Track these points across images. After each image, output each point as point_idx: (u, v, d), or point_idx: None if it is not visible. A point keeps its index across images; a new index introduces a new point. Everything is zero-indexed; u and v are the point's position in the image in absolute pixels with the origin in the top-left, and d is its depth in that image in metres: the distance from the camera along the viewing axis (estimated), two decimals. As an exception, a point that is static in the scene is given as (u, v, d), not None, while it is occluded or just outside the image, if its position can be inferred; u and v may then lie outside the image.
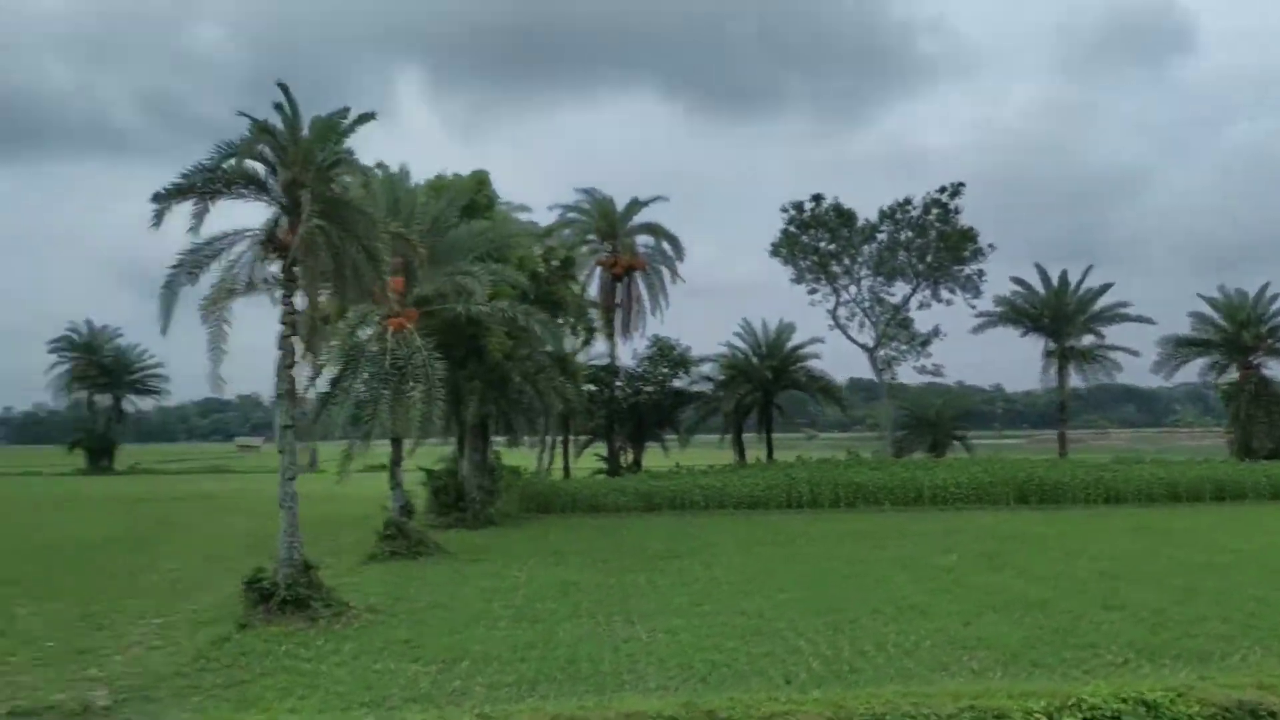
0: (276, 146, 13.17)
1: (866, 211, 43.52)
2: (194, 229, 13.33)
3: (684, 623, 13.09)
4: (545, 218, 38.22)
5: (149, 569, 18.95)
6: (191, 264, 13.44)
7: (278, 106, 13.15)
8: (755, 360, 40.29)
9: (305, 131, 13.62)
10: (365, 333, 20.63)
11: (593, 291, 41.84)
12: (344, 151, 13.48)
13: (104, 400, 65.60)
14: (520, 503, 32.02)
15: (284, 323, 13.68)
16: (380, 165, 25.54)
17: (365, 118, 13.89)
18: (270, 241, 13.60)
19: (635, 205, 41.17)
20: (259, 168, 13.51)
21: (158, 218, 12.74)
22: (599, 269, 41.87)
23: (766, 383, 39.62)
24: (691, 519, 29.08)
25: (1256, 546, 20.33)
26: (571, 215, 40.82)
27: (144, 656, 11.89)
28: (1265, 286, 40.66)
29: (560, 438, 41.17)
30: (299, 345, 13.80)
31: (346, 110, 13.67)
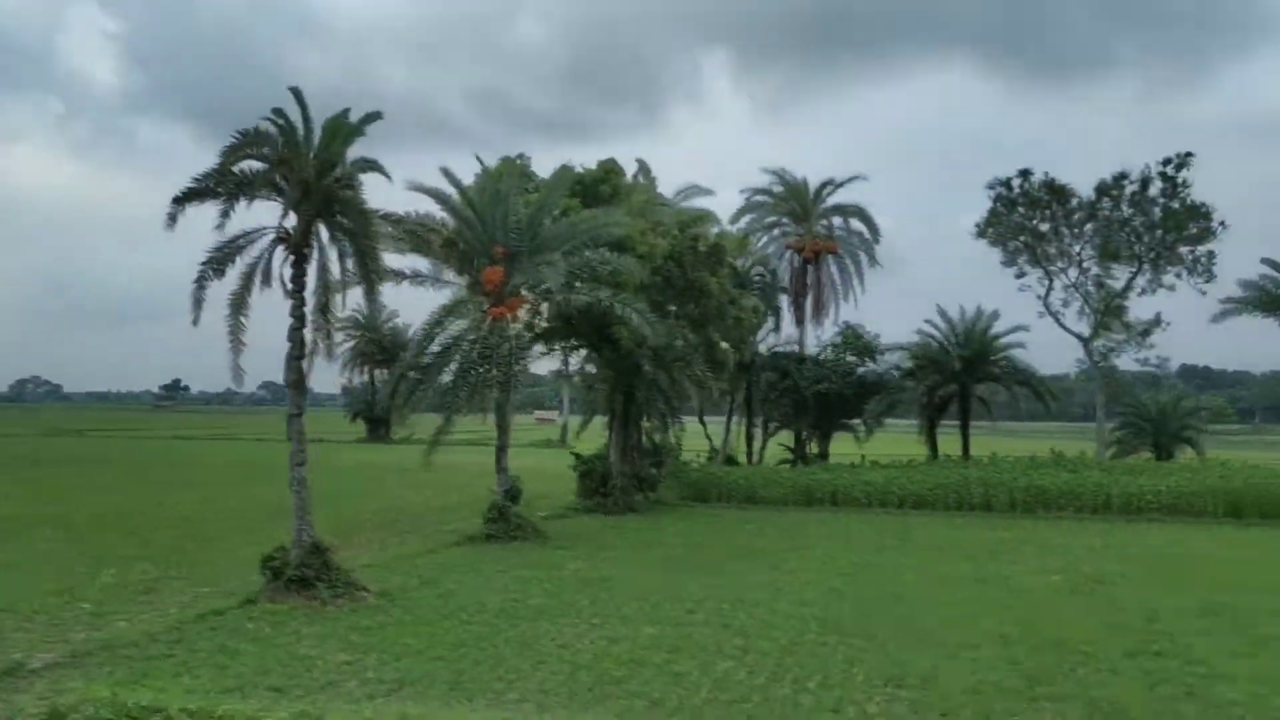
0: (280, 148, 13.90)
1: (1084, 188, 39.71)
2: (219, 226, 14.35)
3: (653, 632, 12.70)
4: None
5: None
6: (216, 260, 14.50)
7: (277, 111, 13.87)
8: (948, 349, 37.99)
9: (317, 132, 14.32)
10: (460, 323, 21.36)
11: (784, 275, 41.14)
12: (339, 152, 14.01)
13: (382, 375, 73.23)
14: (678, 490, 32.22)
15: (293, 316, 14.47)
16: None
17: (371, 117, 14.38)
18: (284, 239, 14.43)
19: (827, 187, 39.94)
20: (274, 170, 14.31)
21: (171, 220, 13.83)
22: (789, 252, 41.02)
23: (958, 373, 37.27)
24: (832, 517, 28.09)
25: None
26: (759, 199, 40.14)
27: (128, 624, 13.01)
28: None
29: (740, 422, 40.99)
30: (309, 337, 14.53)
31: (347, 111, 14.21)
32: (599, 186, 25.37)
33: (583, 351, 31.48)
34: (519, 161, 27.01)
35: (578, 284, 23.59)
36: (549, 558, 19.20)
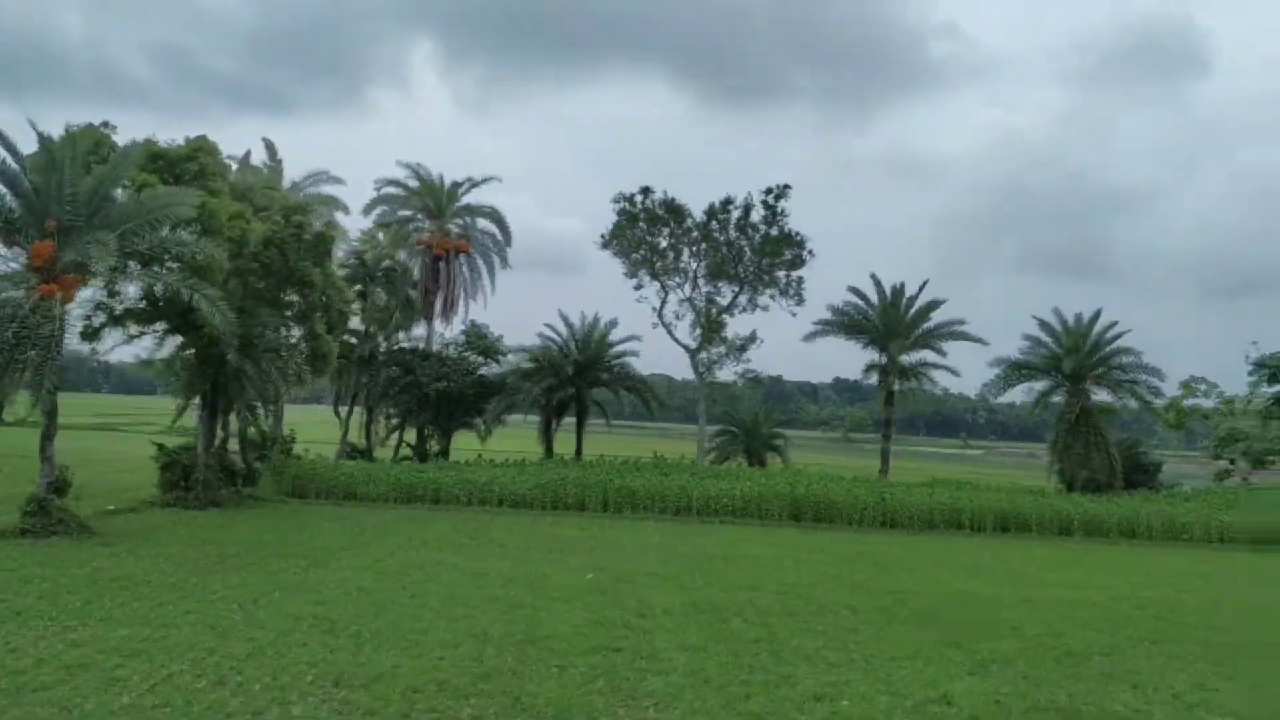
0: None
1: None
2: None
3: (126, 634, 12.21)
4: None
5: None
6: None
7: None
8: (565, 353, 39.55)
9: None
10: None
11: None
12: None
13: None
14: (279, 484, 31.33)
15: None
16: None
17: None
18: None
19: (459, 186, 40.33)
20: None
21: None
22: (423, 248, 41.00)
23: (573, 376, 38.92)
24: (425, 515, 28.35)
25: (893, 584, 19.80)
26: (390, 190, 39.86)
27: None
28: (1098, 313, 40.33)
29: (364, 417, 40.54)
30: None
31: None
32: (185, 164, 24.15)
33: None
34: (103, 130, 25.18)
35: (153, 266, 22.40)
36: (79, 554, 18.03)
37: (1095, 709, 10.94)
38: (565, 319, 39.59)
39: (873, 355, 42.63)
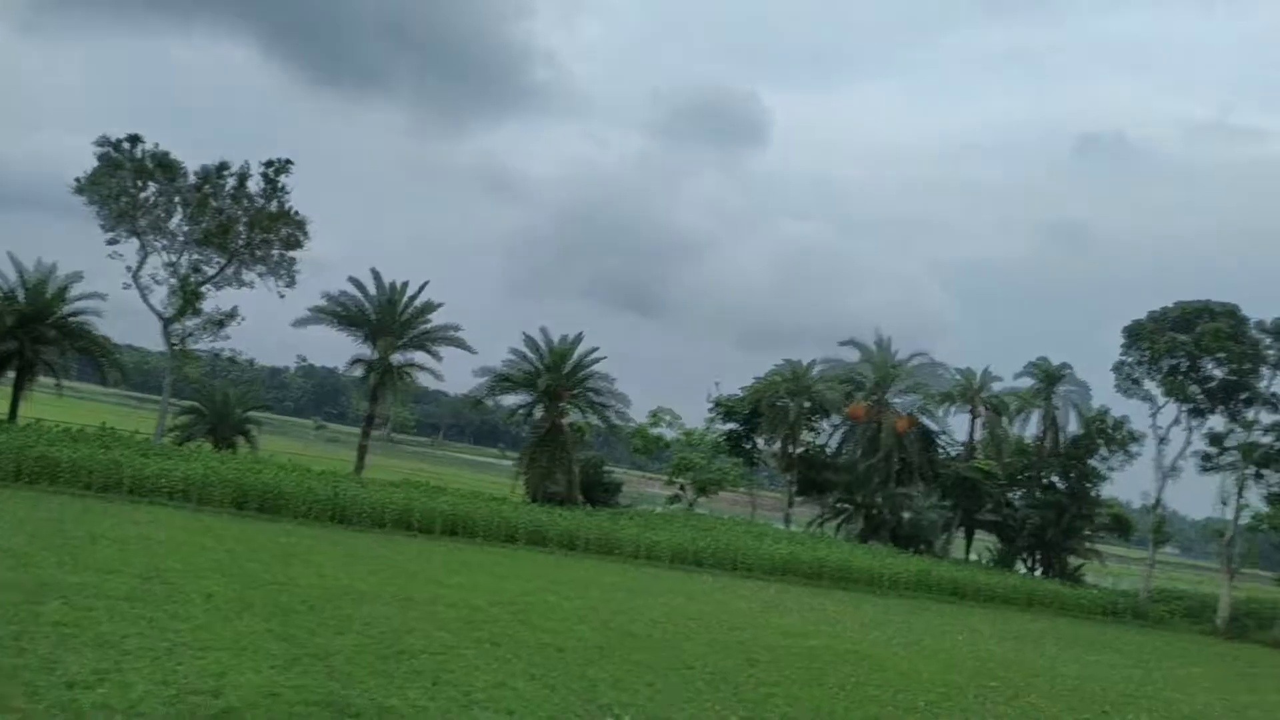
0: None
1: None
2: None
3: None
4: None
5: None
6: None
7: None
8: (9, 300, 35.27)
9: None
10: None
11: None
12: None
13: None
14: None
15: None
16: None
17: None
18: None
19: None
20: None
21: None
22: None
23: (13, 328, 34.74)
24: None
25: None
26: None
27: None
28: (579, 337, 42.81)
29: None
30: None
31: None
32: None
33: None
34: None
35: None
36: None
37: (372, 704, 11.19)
38: (16, 262, 35.25)
39: (366, 349, 42.34)
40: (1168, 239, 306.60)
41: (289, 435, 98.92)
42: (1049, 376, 52.24)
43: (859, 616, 28.34)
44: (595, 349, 43.02)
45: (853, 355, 51.15)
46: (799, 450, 50.76)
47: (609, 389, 42.90)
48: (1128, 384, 50.10)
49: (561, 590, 23.34)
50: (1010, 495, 53.87)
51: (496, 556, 29.24)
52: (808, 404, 49.73)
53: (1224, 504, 45.35)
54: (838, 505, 48.60)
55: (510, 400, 43.26)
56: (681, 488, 50.53)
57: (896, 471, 48.71)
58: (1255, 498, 45.10)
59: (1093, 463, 52.04)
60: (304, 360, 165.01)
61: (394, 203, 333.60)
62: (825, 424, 51.47)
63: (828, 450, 51.38)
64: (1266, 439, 47.23)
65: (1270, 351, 45.55)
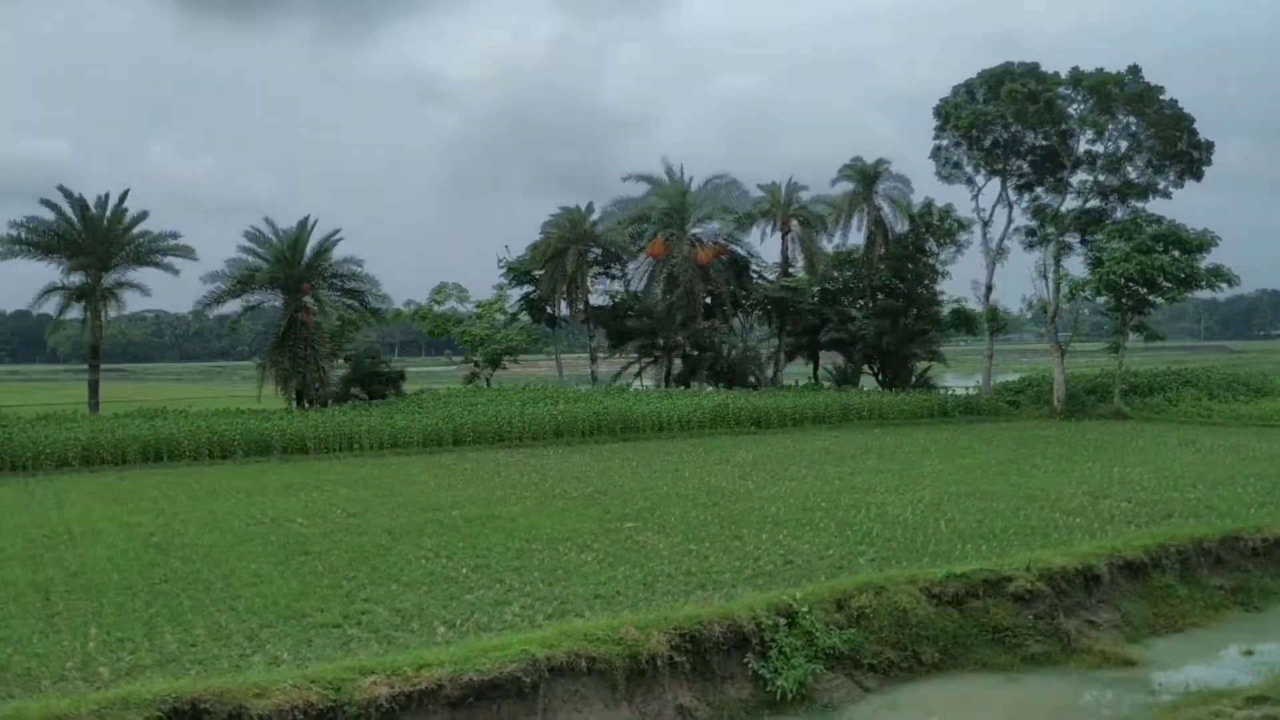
0: None
1: None
2: None
3: None
4: None
5: None
6: None
7: None
8: None
9: None
10: None
11: None
12: None
13: None
14: None
15: None
16: None
17: None
18: None
19: None
20: None
21: None
22: None
23: None
24: None
25: None
26: None
27: None
28: (309, 221, 38.68)
29: None
30: None
31: None
32: None
33: None
34: None
35: None
36: None
37: None
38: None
39: (71, 278, 38.28)
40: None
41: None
42: (866, 177, 49.09)
43: (587, 467, 26.09)
44: (336, 231, 39.21)
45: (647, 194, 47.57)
46: (603, 303, 47.72)
47: (360, 273, 39.32)
48: (948, 169, 47.23)
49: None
50: (853, 310, 51.47)
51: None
52: (598, 251, 46.46)
53: (1044, 278, 43.08)
54: (642, 352, 45.74)
55: (237, 305, 39.47)
56: (476, 365, 47.41)
57: (708, 305, 45.91)
58: (1078, 267, 42.82)
59: (925, 260, 49.61)
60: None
61: (317, 120, 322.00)
62: (632, 268, 48.11)
63: (639, 296, 48.08)
64: (1092, 203, 44.87)
65: (1074, 107, 42.62)
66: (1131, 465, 24.93)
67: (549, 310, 47.66)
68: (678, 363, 46.26)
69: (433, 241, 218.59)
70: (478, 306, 48.40)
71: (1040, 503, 19.41)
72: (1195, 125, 40.19)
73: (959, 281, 50.96)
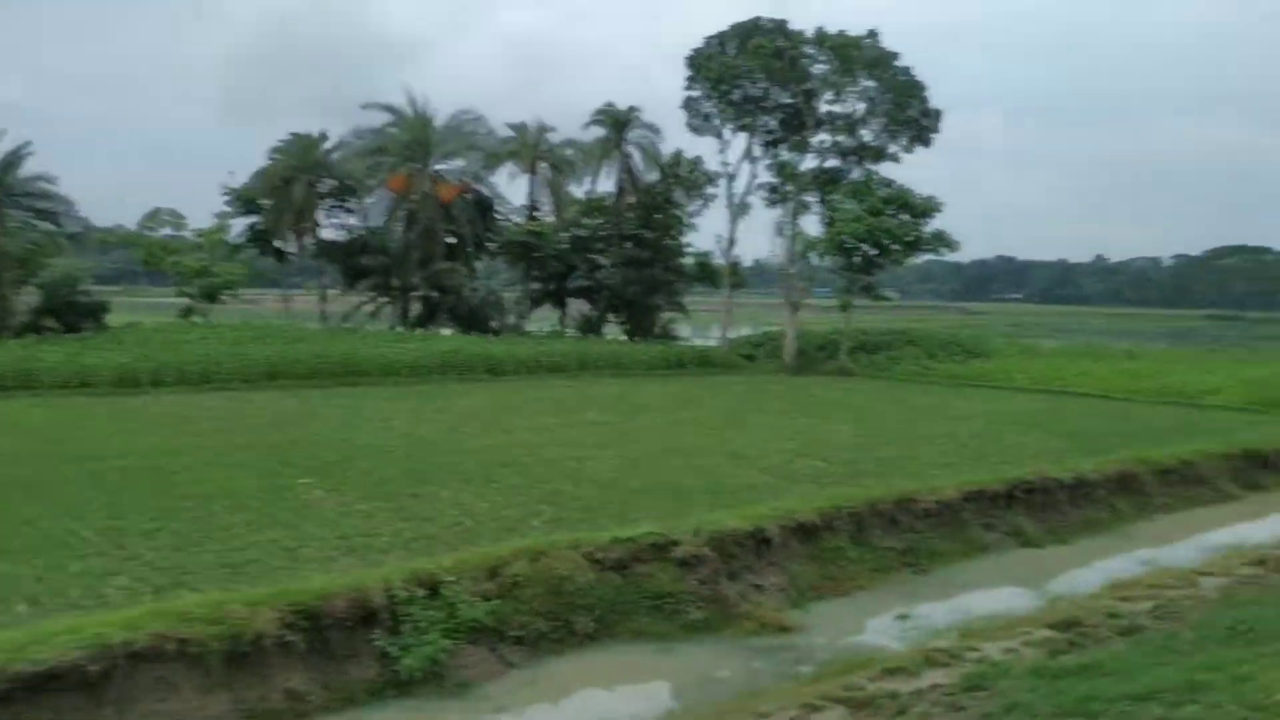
0: None
1: None
2: None
3: None
4: None
5: None
6: None
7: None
8: None
9: None
10: None
11: None
12: None
13: None
14: None
15: None
16: None
17: None
18: None
19: None
20: None
21: None
22: None
23: None
24: None
25: None
26: None
27: None
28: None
29: None
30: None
31: None
32: None
33: None
34: None
35: None
36: None
37: None
38: None
39: None
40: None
41: None
42: (617, 123, 48.57)
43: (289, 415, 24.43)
44: (26, 144, 35.15)
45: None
46: (339, 238, 45.31)
47: (52, 191, 35.46)
48: (698, 121, 47.30)
49: None
50: (601, 259, 51.06)
51: None
52: (333, 182, 43.98)
53: (781, 235, 44.03)
54: (377, 291, 43.85)
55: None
56: (192, 298, 44.13)
57: (450, 246, 44.35)
58: (815, 225, 43.98)
59: (673, 211, 49.73)
60: None
61: (79, 21, 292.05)
62: (370, 203, 45.77)
63: (377, 232, 45.79)
64: (831, 163, 46.05)
65: (816, 67, 43.46)
66: (839, 422, 25.61)
67: (277, 244, 44.75)
68: (417, 305, 44.63)
69: (213, 163, 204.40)
70: (200, 235, 44.89)
71: (741, 460, 19.46)
72: (926, 94, 41.84)
73: (707, 235, 51.32)
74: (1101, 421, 27.83)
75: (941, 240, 40.92)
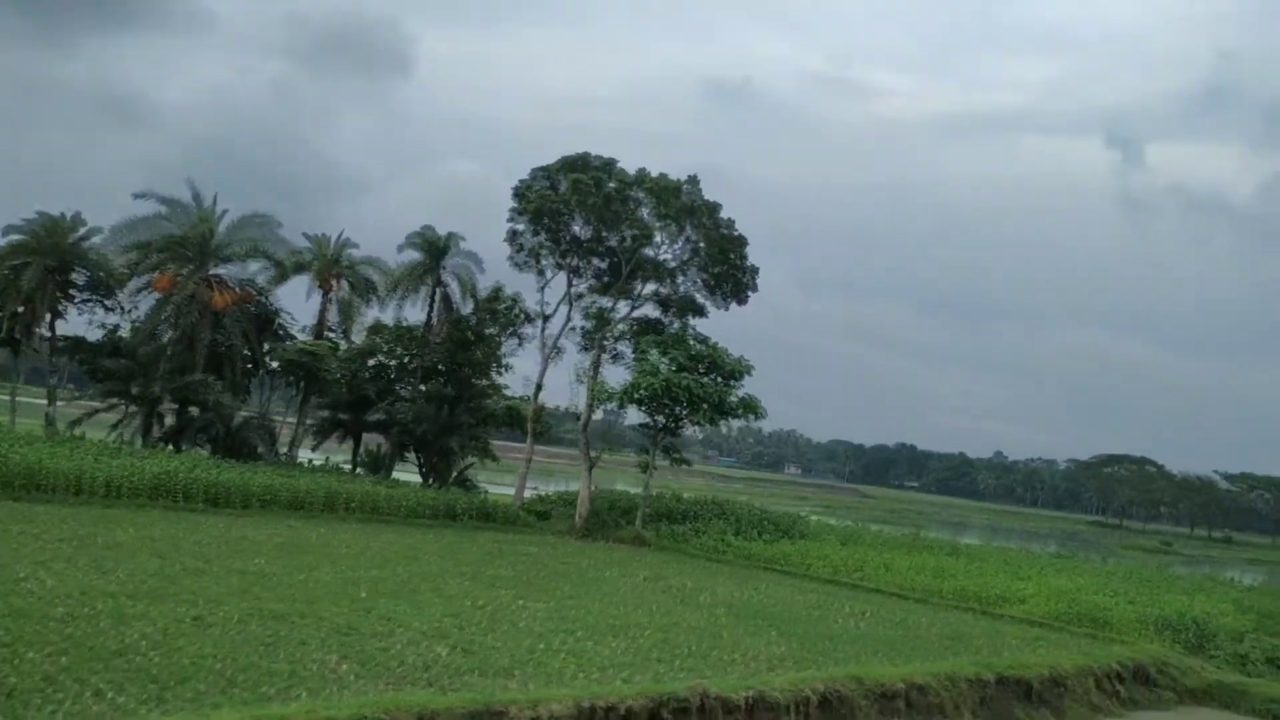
0: None
1: None
2: None
3: None
4: None
5: None
6: None
7: None
8: None
9: None
10: None
11: None
12: None
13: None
14: None
15: None
16: None
17: None
18: None
19: None
20: None
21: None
22: None
23: None
24: None
25: None
26: None
27: None
28: None
29: None
30: None
31: None
32: None
33: None
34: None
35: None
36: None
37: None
38: None
39: None
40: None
41: None
42: (434, 248, 45.66)
43: None
44: None
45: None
46: (95, 336, 40.83)
47: None
48: (523, 256, 44.74)
49: None
50: (404, 391, 47.44)
51: None
52: (87, 273, 39.83)
53: (579, 383, 41.04)
54: (115, 399, 39.29)
55: None
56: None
57: (217, 358, 40.20)
58: (624, 376, 41.04)
59: (486, 348, 46.59)
60: None
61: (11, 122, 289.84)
62: (133, 301, 41.41)
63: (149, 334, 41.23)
64: (655, 314, 43.66)
65: (644, 211, 41.36)
66: (546, 600, 21.89)
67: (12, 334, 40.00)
68: (172, 420, 40.13)
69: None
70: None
71: (344, 637, 15.58)
72: (746, 251, 39.86)
73: (520, 378, 48.17)
74: (863, 624, 24.63)
75: (749, 406, 38.18)
